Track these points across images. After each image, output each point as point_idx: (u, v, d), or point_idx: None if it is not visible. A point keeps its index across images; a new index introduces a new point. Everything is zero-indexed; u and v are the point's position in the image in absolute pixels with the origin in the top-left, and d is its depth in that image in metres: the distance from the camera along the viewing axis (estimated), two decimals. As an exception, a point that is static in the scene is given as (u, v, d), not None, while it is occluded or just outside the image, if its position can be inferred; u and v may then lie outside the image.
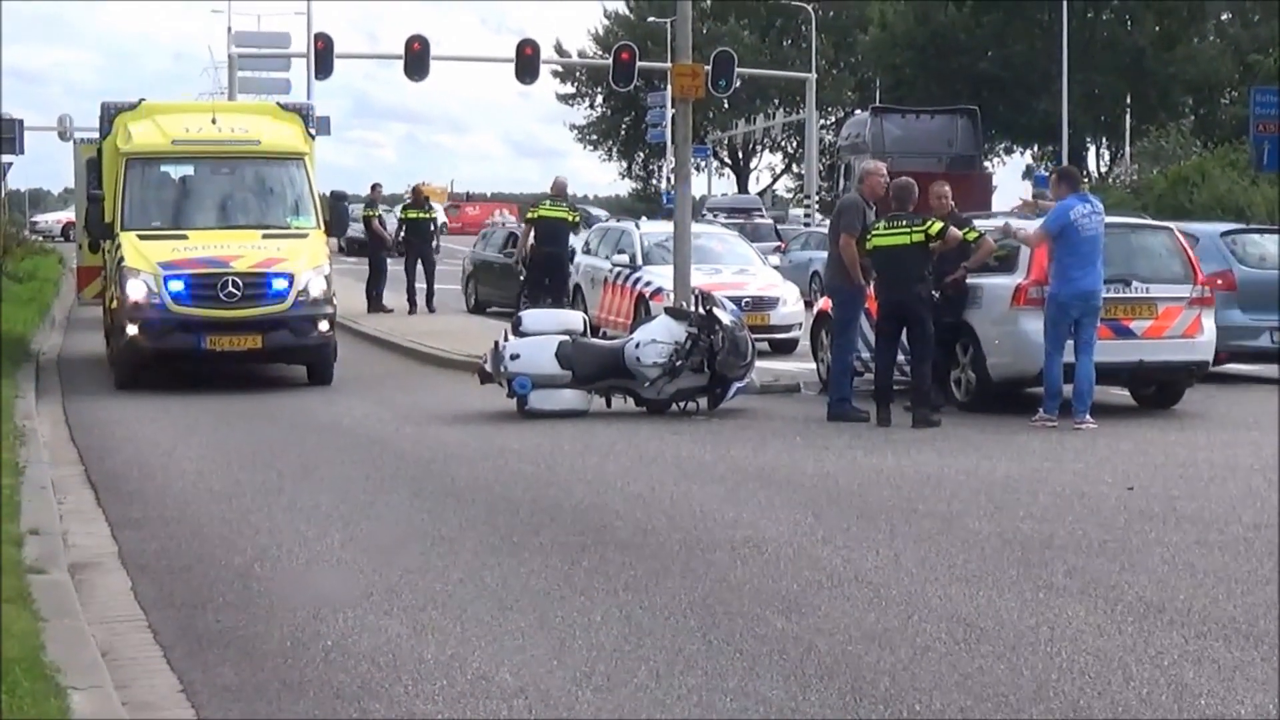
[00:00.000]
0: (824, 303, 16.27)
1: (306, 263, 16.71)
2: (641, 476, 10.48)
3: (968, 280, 13.96)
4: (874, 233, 13.46)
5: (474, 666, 5.93)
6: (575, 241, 24.84)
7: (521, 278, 22.12)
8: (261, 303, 16.28)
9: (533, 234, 21.60)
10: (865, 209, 13.75)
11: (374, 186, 28.96)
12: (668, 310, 15.24)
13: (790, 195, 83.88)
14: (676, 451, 11.77)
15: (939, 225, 13.29)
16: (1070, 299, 13.06)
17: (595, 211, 54.78)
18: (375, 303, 25.81)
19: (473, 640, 6.30)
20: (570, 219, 22.00)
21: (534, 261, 21.42)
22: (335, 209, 18.11)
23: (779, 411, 14.57)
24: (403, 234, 26.37)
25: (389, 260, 26.20)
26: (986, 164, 41.80)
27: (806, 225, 44.74)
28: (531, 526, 8.69)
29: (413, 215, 26.53)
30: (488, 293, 28.18)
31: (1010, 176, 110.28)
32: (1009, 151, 68.28)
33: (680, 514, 9.04)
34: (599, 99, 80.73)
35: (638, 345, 14.18)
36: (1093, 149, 65.13)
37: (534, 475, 10.60)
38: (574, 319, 14.94)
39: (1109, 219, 13.56)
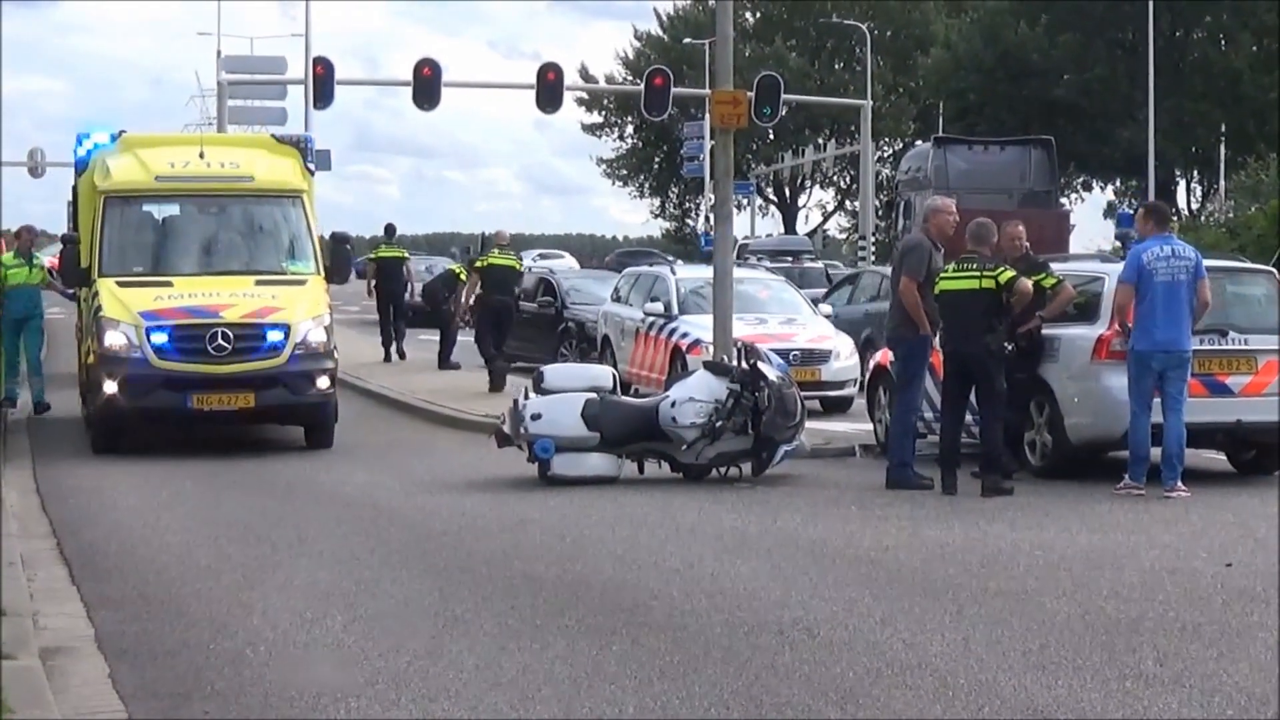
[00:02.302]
0: (883, 356, 16.28)
1: (304, 312, 16.83)
2: (678, 551, 10.48)
3: (1044, 331, 13.97)
4: (942, 276, 13.49)
5: (491, 763, 5.93)
6: (603, 289, 25.12)
7: (466, 325, 24.59)
8: (254, 356, 16.39)
9: (480, 284, 23.32)
10: (933, 251, 13.79)
11: (388, 228, 29.65)
12: (706, 365, 15.28)
13: (844, 236, 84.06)
14: (718, 523, 11.76)
15: (1009, 274, 13.31)
16: (1149, 352, 13.07)
17: (555, 264, 52.34)
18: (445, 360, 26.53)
19: (490, 734, 6.31)
20: (518, 267, 24.05)
21: (485, 310, 23.32)
22: (336, 252, 18.23)
23: (832, 478, 14.56)
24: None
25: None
26: (1063, 200, 41.72)
27: (856, 264, 44.68)
28: (555, 607, 8.69)
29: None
30: (512, 346, 28.34)
31: (1090, 214, 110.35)
32: (1088, 187, 68.41)
33: (722, 593, 9.03)
34: (629, 129, 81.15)
35: (674, 404, 14.21)
36: (1183, 183, 65.12)
37: (558, 549, 10.61)
38: (602, 375, 14.99)
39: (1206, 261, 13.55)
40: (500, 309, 23.29)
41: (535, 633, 8.07)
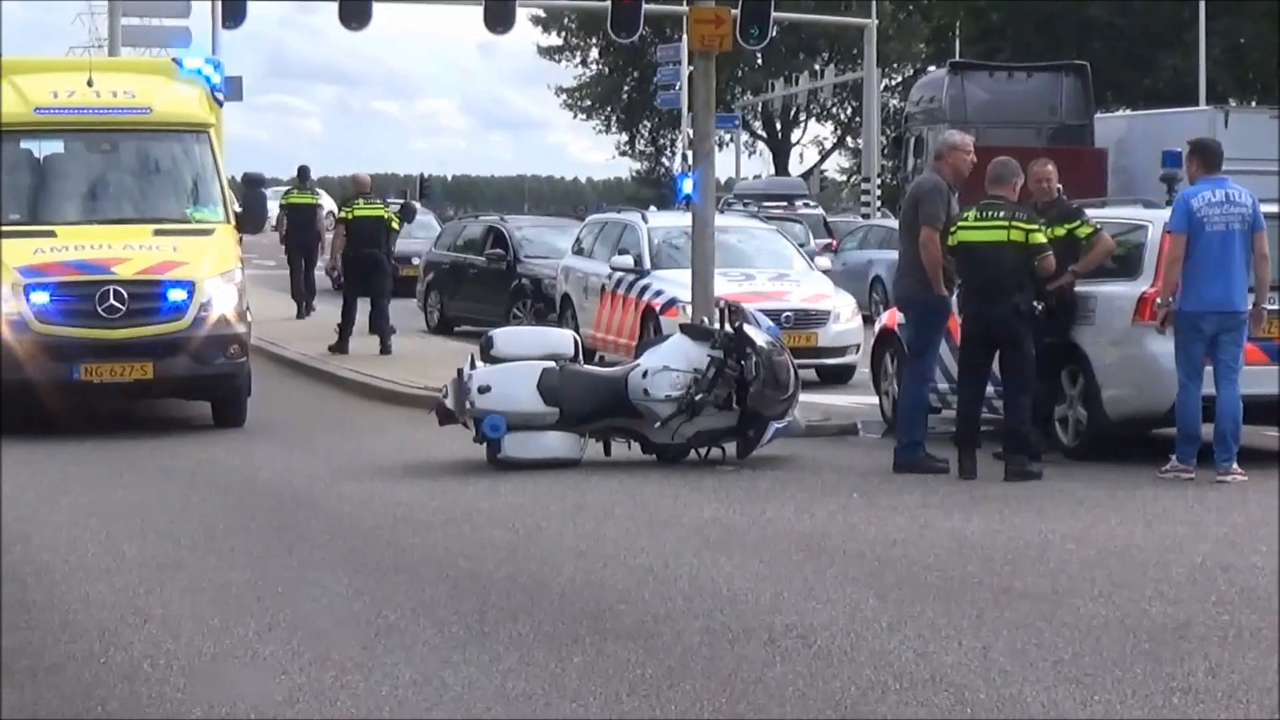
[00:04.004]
0: (890, 317, 16.29)
1: (212, 267, 16.77)
2: (651, 546, 10.48)
3: (1077, 288, 13.99)
4: (960, 224, 13.48)
5: (432, 795, 5.93)
6: (562, 240, 25.11)
7: (336, 284, 25.17)
8: (152, 320, 16.34)
9: (345, 237, 23.98)
10: (949, 195, 13.79)
11: (301, 170, 29.72)
12: (684, 328, 15.29)
13: (844, 178, 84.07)
14: (697, 513, 11.77)
15: (1039, 236, 13.33)
16: (1198, 312, 13.12)
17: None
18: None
19: (430, 761, 6.31)
20: (386, 216, 24.43)
21: (350, 266, 23.92)
22: (249, 197, 18.16)
23: (830, 460, 14.60)
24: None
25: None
26: (1096, 138, 41.65)
27: (865, 217, 44.82)
28: (507, 612, 8.69)
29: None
30: (457, 306, 28.37)
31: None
32: (1129, 120, 68.48)
33: (702, 594, 9.03)
34: (593, 53, 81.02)
35: (645, 374, 14.22)
36: (1238, 117, 65.25)
37: (510, 544, 10.61)
38: (562, 340, 14.98)
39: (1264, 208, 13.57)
40: (369, 264, 23.78)
41: (483, 642, 8.07)
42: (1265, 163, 33.02)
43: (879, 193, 51.05)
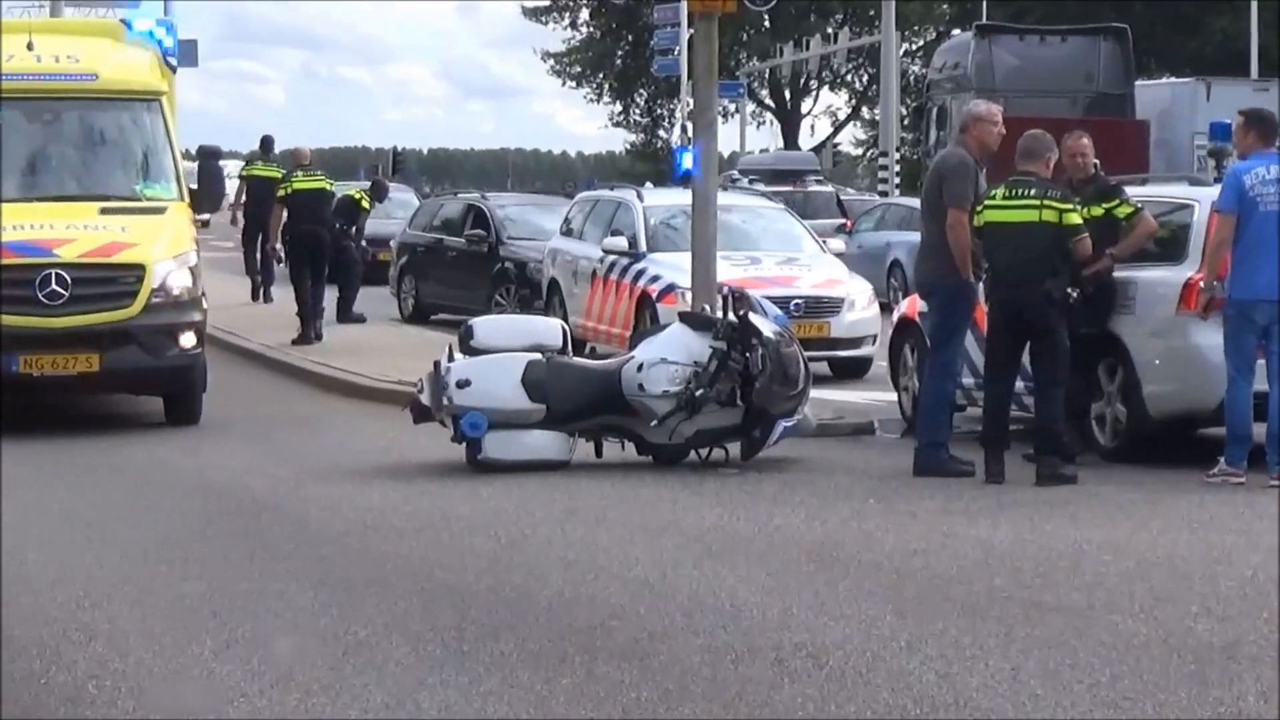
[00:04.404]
0: (910, 305, 16.30)
1: (164, 249, 16.78)
2: (647, 556, 10.49)
3: (1116, 273, 14.01)
4: (988, 203, 13.49)
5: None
6: (549, 220, 25.15)
7: (281, 264, 25.88)
8: (99, 307, 16.35)
9: (286, 213, 24.61)
10: (976, 171, 13.81)
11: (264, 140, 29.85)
12: (682, 317, 15.31)
13: (860, 152, 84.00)
14: (698, 520, 11.78)
15: (1074, 218, 13.32)
16: (1250, 301, 13.13)
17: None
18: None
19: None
20: (328, 189, 25.09)
21: (293, 245, 24.49)
22: (205, 172, 18.15)
23: (844, 463, 14.63)
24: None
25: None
26: (1137, 109, 41.51)
27: (883, 195, 44.81)
28: (488, 628, 8.69)
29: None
30: (434, 293, 28.37)
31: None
32: (1174, 89, 68.44)
33: (703, 610, 9.03)
34: (583, 15, 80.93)
35: (641, 367, 14.22)
36: (1294, 85, 65.28)
37: (492, 554, 10.61)
38: (549, 329, 15.00)
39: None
40: (311, 242, 24.16)
41: (462, 662, 8.07)
42: None
43: (898, 169, 50.99)
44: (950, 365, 13.99)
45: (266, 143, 31.72)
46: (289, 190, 24.62)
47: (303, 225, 24.28)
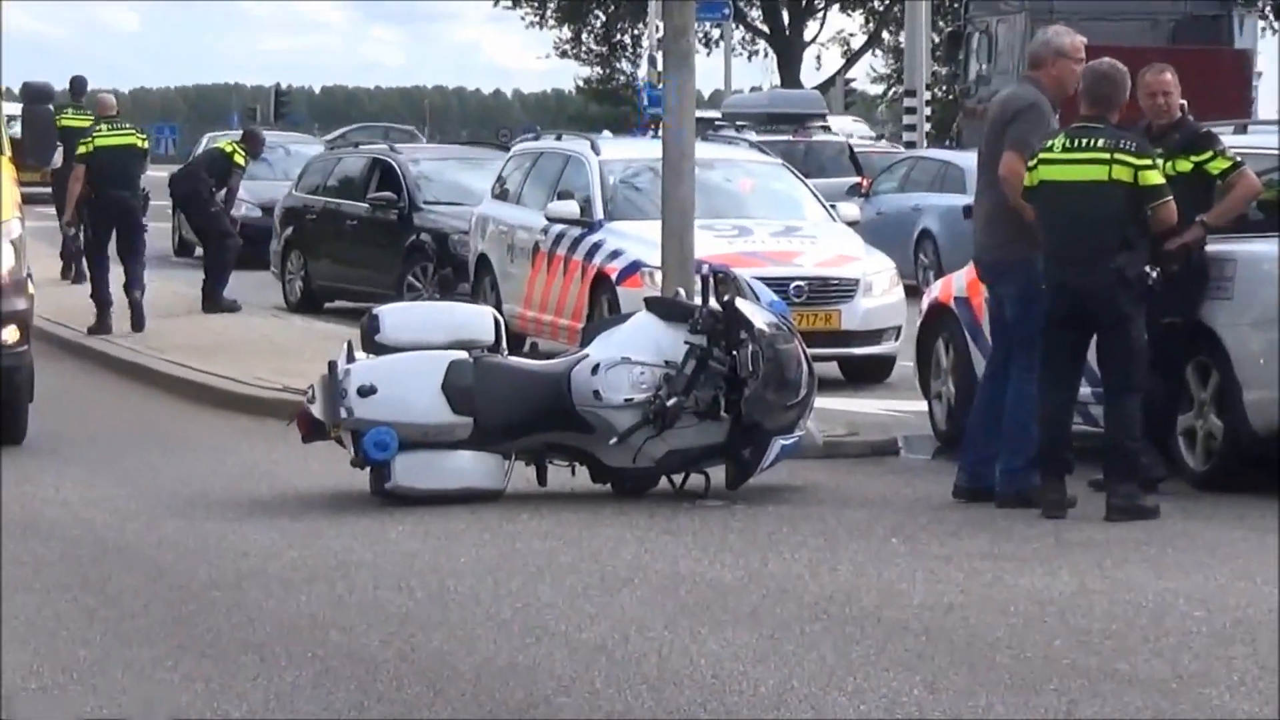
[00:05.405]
0: (944, 288, 16.30)
1: (-21, 217, 16.71)
2: (605, 613, 10.49)
3: (1208, 248, 14.02)
4: (1042, 157, 13.47)
5: None
6: (477, 179, 25.10)
7: (79, 243, 26.33)
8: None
9: (85, 174, 24.59)
10: (1051, 119, 13.81)
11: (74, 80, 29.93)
12: (650, 304, 15.27)
13: (880, 90, 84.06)
14: (670, 567, 11.79)
15: (1154, 175, 13.31)
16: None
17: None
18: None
19: None
20: (139, 144, 25.51)
21: (94, 214, 24.63)
22: (33, 118, 18.08)
23: (859, 492, 14.67)
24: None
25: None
26: (1238, 34, 41.48)
27: (909, 146, 44.81)
28: (400, 703, 8.70)
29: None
30: (328, 273, 28.30)
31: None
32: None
33: (678, 682, 9.03)
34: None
35: (597, 369, 14.21)
36: None
37: (403, 612, 10.62)
38: (477, 320, 14.98)
39: None
40: (118, 210, 24.51)
41: (366, 750, 8.05)
42: None
43: (928, 112, 51.06)
44: (1032, 366, 13.81)
45: (77, 85, 31.74)
46: (90, 148, 24.77)
47: (108, 190, 24.44)
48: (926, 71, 51.51)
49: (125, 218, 24.57)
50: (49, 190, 31.05)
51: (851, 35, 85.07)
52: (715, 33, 72.68)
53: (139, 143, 25.46)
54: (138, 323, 23.92)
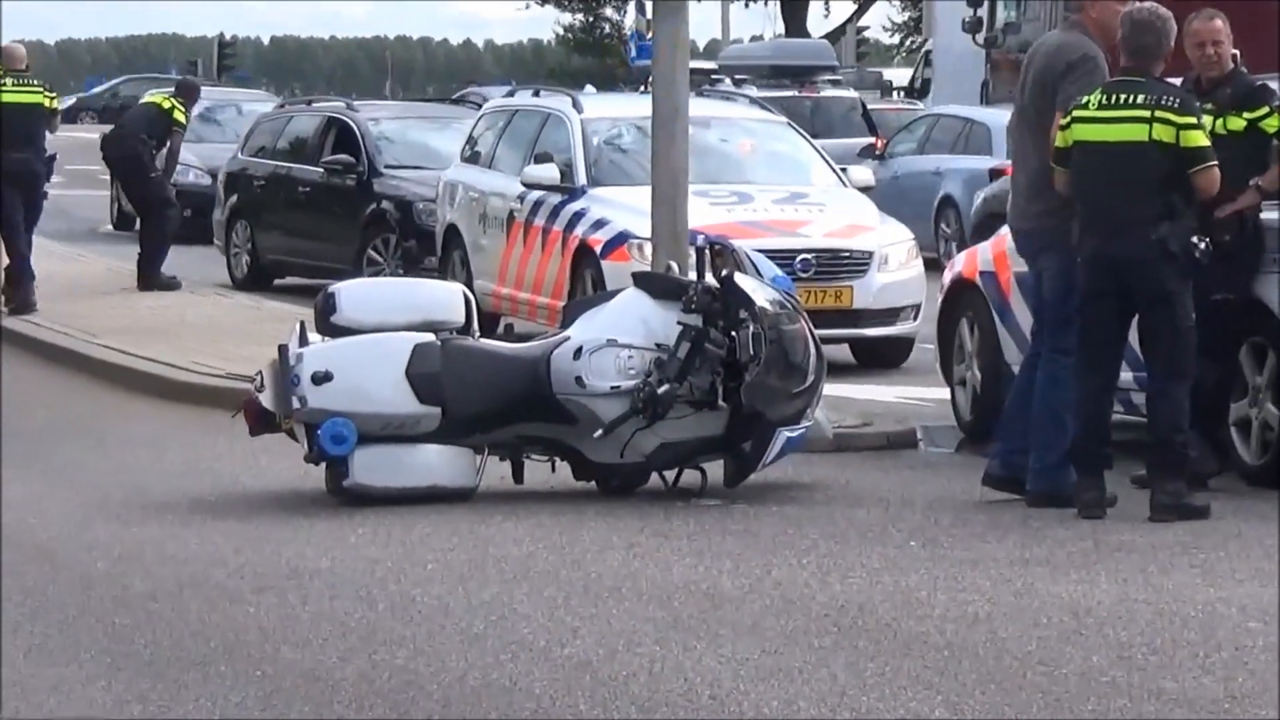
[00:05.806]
0: (968, 262, 16.30)
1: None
2: (589, 625, 10.52)
3: (1264, 215, 14.02)
4: (1076, 114, 13.46)
5: None
6: (445, 141, 25.12)
7: None
8: None
9: None
10: (1107, 68, 13.79)
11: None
12: (638, 280, 15.29)
13: (895, 40, 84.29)
14: (662, 574, 11.83)
15: (1199, 136, 13.26)
16: None
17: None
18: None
19: None
20: (47, 103, 25.47)
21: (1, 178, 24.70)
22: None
23: (873, 489, 14.72)
24: None
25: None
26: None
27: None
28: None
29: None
30: (279, 246, 28.32)
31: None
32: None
33: (671, 702, 9.06)
34: None
35: (579, 353, 14.23)
36: None
37: (365, 625, 10.64)
38: (444, 299, 14.99)
39: None
40: (24, 175, 24.67)
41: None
42: None
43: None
44: (1072, 352, 13.80)
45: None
46: None
47: (11, 153, 24.54)
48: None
49: (30, 184, 24.60)
50: None
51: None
52: (712, -24, 72.93)
53: (45, 101, 25.34)
54: (27, 304, 24.21)
